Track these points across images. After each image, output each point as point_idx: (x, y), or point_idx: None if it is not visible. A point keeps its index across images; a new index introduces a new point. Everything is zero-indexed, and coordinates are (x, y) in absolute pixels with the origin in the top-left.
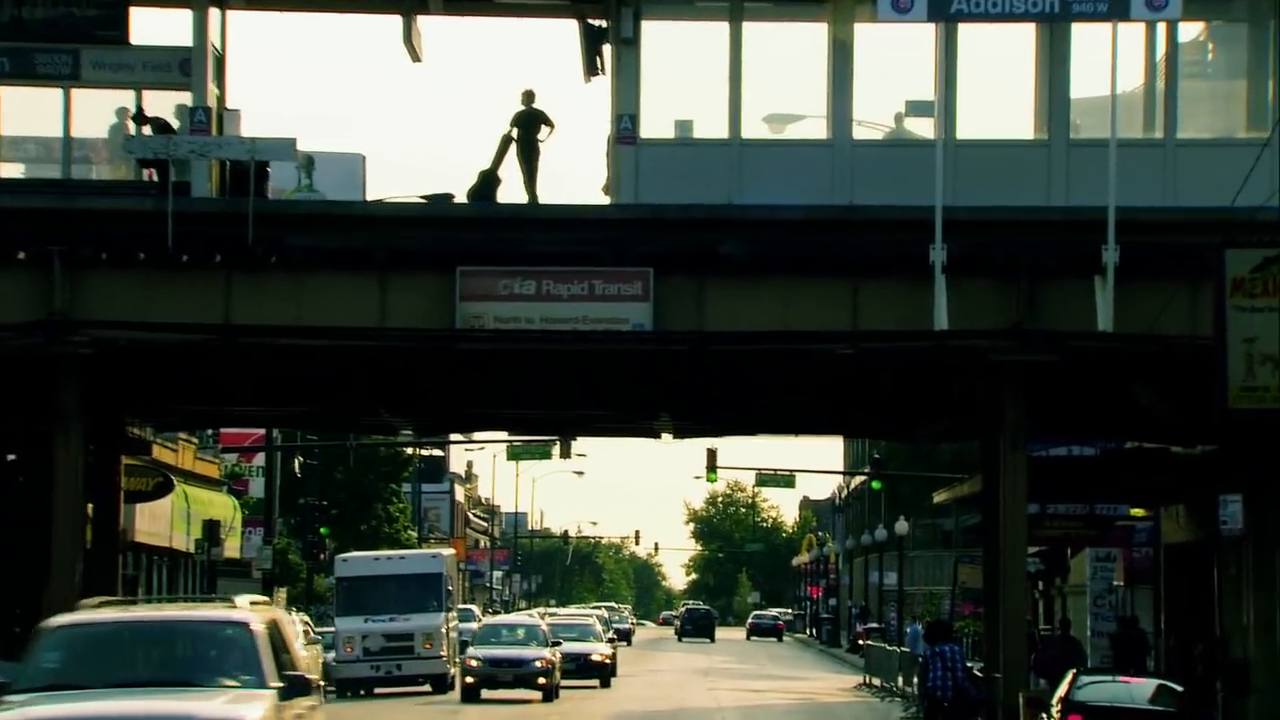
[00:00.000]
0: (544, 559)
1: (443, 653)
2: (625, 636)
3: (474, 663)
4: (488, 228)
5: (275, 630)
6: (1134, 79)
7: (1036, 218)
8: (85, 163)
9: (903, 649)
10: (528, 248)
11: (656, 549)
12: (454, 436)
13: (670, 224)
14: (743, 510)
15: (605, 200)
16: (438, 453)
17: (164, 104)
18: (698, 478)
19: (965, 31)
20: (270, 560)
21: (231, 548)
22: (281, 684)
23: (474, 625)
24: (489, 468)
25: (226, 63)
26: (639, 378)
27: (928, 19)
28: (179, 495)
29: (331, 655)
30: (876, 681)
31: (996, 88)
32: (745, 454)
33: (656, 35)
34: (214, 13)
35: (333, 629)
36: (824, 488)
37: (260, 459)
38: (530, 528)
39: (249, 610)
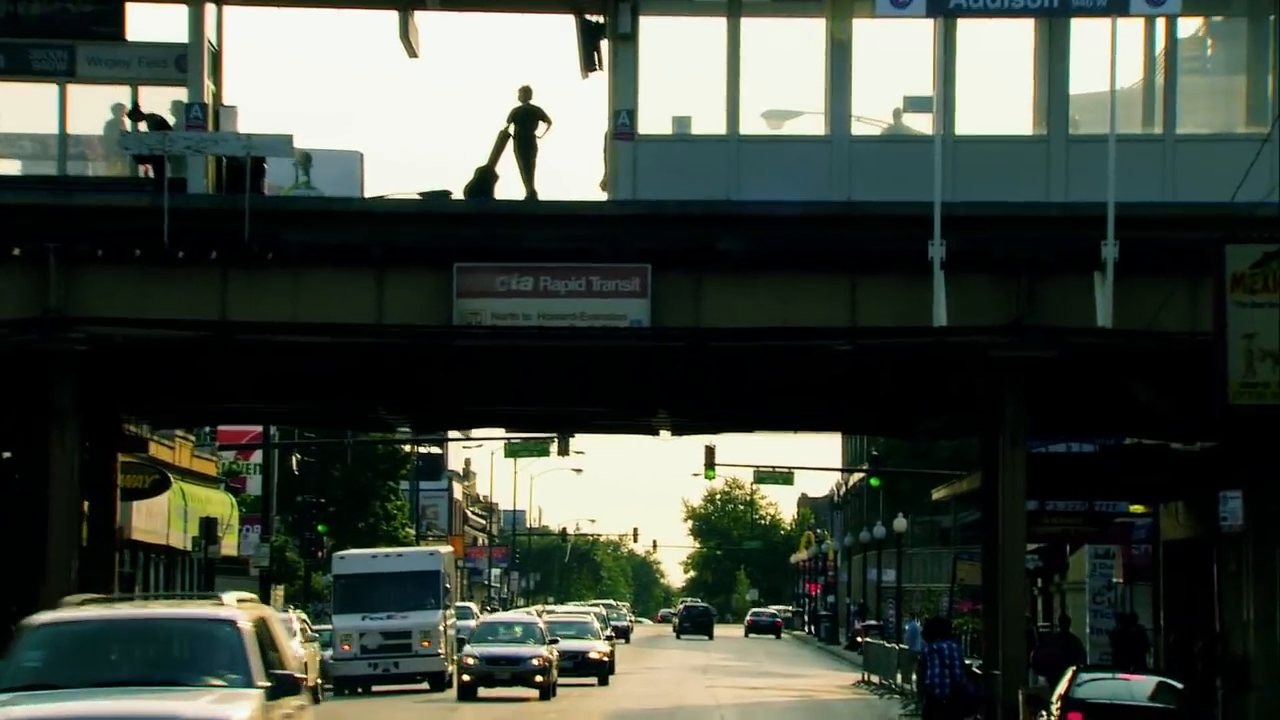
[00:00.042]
0: (542, 556)
1: (440, 650)
2: (623, 634)
3: (471, 661)
4: (485, 224)
5: (263, 628)
6: (1133, 74)
7: (1035, 213)
8: (81, 159)
9: (901, 646)
10: (525, 244)
11: (655, 546)
12: (452, 434)
13: (668, 220)
14: (741, 507)
15: (603, 196)
16: (436, 450)
17: (160, 100)
18: (696, 475)
19: (964, 27)
20: (268, 558)
21: (229, 545)
22: (269, 683)
23: (472, 623)
24: (487, 465)
25: (223, 59)
26: (637, 374)
27: (926, 14)
28: (176, 493)
29: (329, 653)
30: (875, 679)
31: (995, 83)
32: (743, 451)
33: (654, 31)
34: (210, 8)
35: (330, 627)
36: (822, 485)
37: (258, 456)
38: (528, 525)
39: (236, 608)
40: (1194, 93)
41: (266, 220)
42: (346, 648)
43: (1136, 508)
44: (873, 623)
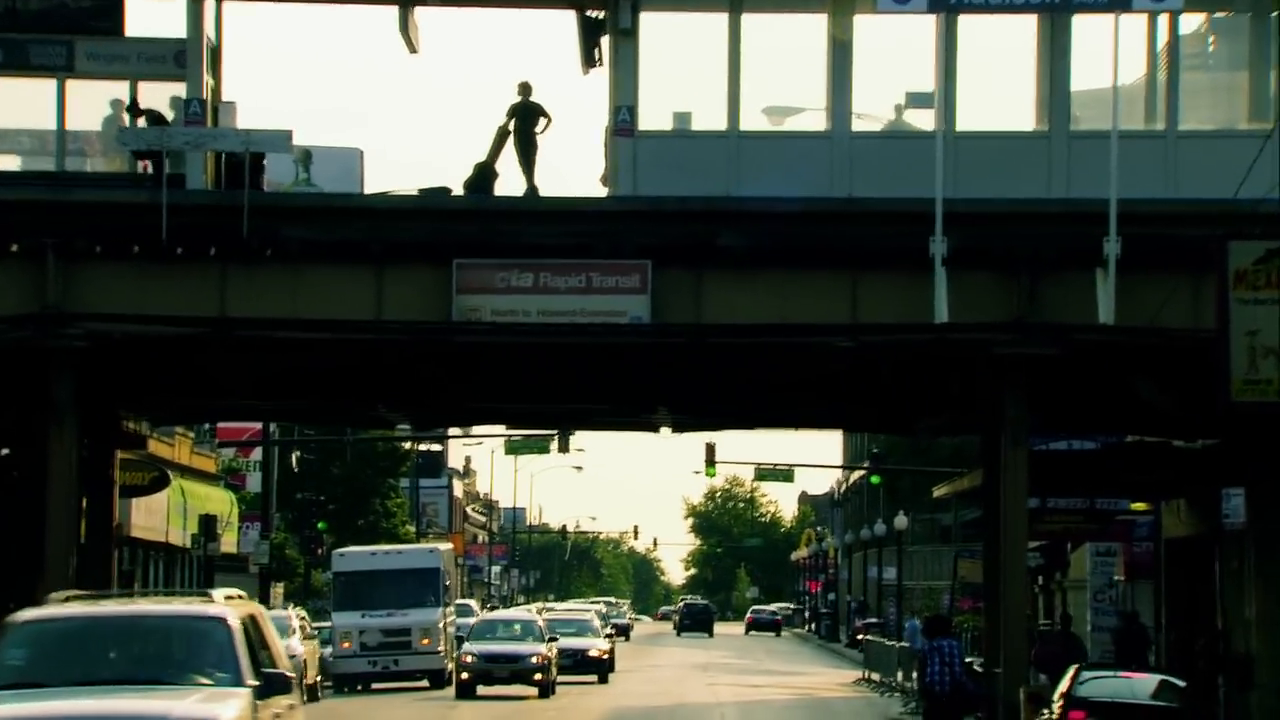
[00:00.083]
0: (542, 554)
1: (440, 648)
2: (624, 631)
3: (469, 658)
4: (484, 220)
5: (253, 625)
6: (1135, 70)
7: (1037, 210)
8: (79, 154)
9: (902, 644)
10: (524, 240)
11: (655, 544)
12: (452, 431)
13: (668, 216)
14: (741, 505)
15: (604, 192)
16: (436, 447)
17: (159, 96)
18: (697, 473)
19: (965, 23)
20: (267, 555)
21: (228, 543)
22: (258, 682)
23: (472, 620)
24: (487, 463)
25: (222, 54)
26: (637, 371)
27: (928, 10)
28: (176, 490)
29: (329, 650)
30: (875, 677)
31: (997, 79)
32: (744, 448)
33: (655, 27)
34: (209, 3)
35: (330, 624)
36: (823, 482)
37: (257, 454)
38: (529, 523)
39: (224, 605)
40: (1196, 89)
41: (265, 216)
42: (346, 645)
43: (1138, 505)
44: (873, 621)
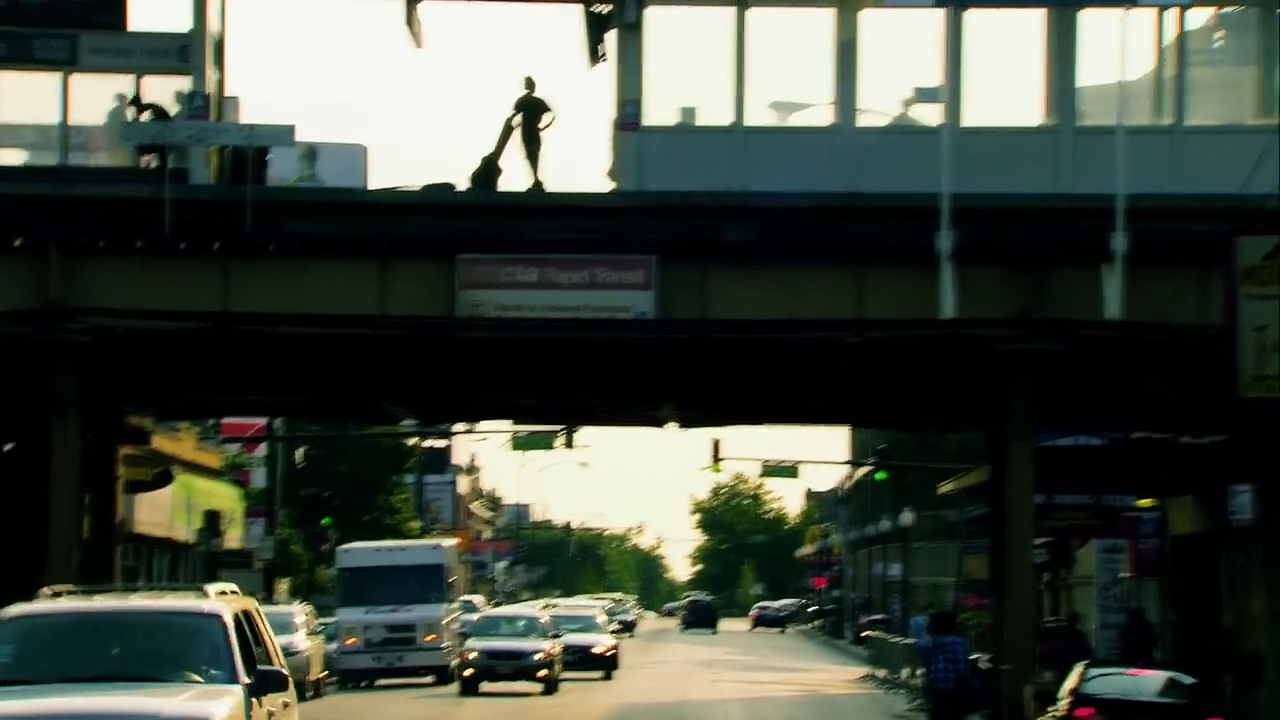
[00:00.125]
0: (548, 550)
1: (445, 644)
2: (629, 628)
3: (472, 655)
4: (487, 215)
5: (247, 621)
6: (1143, 65)
7: (1044, 205)
8: (82, 149)
9: (907, 641)
10: (529, 235)
11: (660, 541)
12: (457, 427)
13: (673, 211)
14: (747, 501)
15: (610, 187)
16: (441, 443)
17: (162, 90)
18: (702, 469)
19: (972, 18)
20: (272, 551)
21: (233, 538)
22: (251, 679)
23: (474, 616)
24: (493, 459)
25: (225, 49)
26: (642, 367)
27: (934, 5)
28: (180, 485)
29: (333, 646)
30: (880, 673)
31: (1003, 74)
32: (749, 444)
33: (660, 21)
34: None
35: (334, 620)
36: (828, 478)
37: (262, 450)
38: (534, 519)
39: (218, 600)
40: (1203, 84)
41: (268, 211)
42: (350, 641)
43: (1145, 502)
44: (879, 617)
